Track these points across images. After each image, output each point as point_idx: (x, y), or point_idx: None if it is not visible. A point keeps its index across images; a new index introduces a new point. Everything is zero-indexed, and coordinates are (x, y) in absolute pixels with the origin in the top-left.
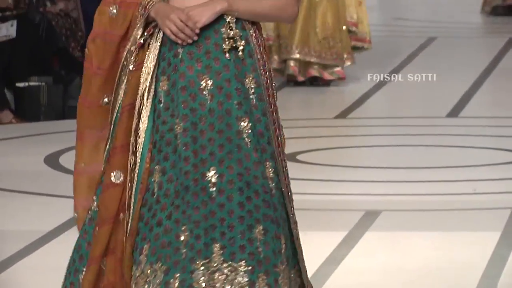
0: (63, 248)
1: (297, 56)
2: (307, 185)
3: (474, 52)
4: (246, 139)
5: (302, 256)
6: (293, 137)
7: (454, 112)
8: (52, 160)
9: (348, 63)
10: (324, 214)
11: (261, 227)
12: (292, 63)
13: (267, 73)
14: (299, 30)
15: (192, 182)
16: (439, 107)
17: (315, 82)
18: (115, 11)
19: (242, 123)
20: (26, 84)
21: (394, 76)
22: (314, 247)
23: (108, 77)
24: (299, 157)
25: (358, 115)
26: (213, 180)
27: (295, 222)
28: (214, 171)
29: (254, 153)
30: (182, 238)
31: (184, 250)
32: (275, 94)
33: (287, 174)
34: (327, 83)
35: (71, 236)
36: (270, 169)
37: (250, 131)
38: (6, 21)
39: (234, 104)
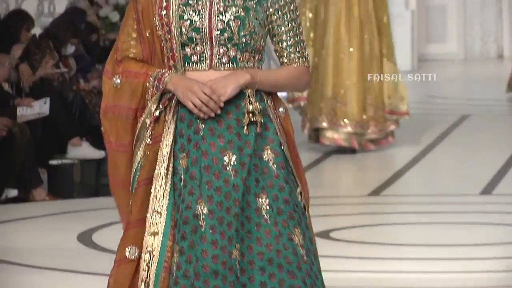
0: None
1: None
2: (340, 262)
3: (507, 129)
4: (265, 215)
5: None
6: (326, 214)
7: (488, 190)
8: (85, 238)
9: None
10: None
11: None
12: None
13: (284, 139)
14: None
15: (221, 266)
16: (472, 184)
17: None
18: (118, 81)
19: (260, 200)
20: (59, 161)
21: (428, 154)
22: None
23: (132, 153)
24: (332, 234)
25: (391, 192)
26: (238, 258)
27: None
28: (238, 250)
29: (275, 227)
30: None
31: None
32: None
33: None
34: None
35: None
36: (300, 236)
37: (268, 207)
38: (39, 99)
39: (253, 181)
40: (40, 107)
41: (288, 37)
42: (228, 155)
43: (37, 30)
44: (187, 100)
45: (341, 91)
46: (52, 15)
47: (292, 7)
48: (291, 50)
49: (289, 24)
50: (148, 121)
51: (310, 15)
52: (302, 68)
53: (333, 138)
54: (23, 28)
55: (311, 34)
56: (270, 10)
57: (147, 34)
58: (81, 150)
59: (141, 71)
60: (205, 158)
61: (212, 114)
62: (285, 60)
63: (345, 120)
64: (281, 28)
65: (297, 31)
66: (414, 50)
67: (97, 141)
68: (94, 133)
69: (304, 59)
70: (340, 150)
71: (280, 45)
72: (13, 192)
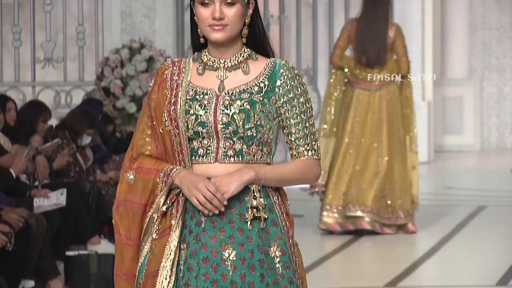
0: None
1: (359, 213)
2: None
3: None
4: None
5: None
6: None
7: (504, 281)
8: None
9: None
10: None
11: None
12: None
13: (291, 240)
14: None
15: None
16: (489, 275)
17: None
18: (132, 176)
19: None
20: (76, 252)
21: (444, 245)
22: None
23: (139, 247)
24: None
25: (408, 283)
26: None
27: None
28: None
29: None
30: None
31: None
32: (297, 261)
33: None
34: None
35: None
36: None
37: None
38: (56, 189)
39: (257, 276)
40: (57, 198)
41: (297, 130)
42: (228, 250)
43: (54, 121)
44: (192, 196)
45: (362, 179)
46: (69, 106)
47: (302, 99)
48: (299, 143)
49: (298, 117)
50: (155, 216)
51: (334, 104)
52: (311, 161)
53: (359, 223)
54: (40, 119)
55: (334, 129)
56: (279, 102)
57: (160, 131)
58: (100, 246)
59: (152, 167)
60: (204, 250)
61: (216, 211)
62: (294, 153)
63: (364, 205)
64: (290, 121)
65: (307, 124)
66: (431, 141)
67: (113, 232)
68: (110, 224)
69: (313, 151)
70: (361, 232)
71: (289, 138)
72: (29, 283)
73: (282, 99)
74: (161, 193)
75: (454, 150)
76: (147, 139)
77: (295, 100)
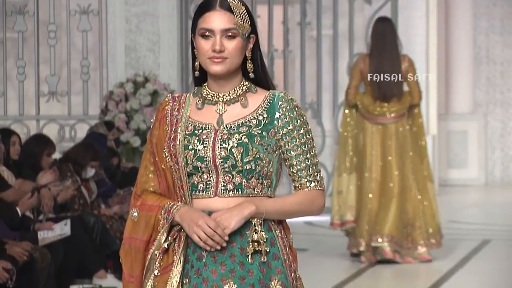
0: None
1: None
2: None
3: None
4: None
5: None
6: None
7: None
8: None
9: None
10: None
11: None
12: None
13: (293, 274)
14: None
15: None
16: None
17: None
18: (136, 214)
19: None
20: (81, 286)
21: (448, 279)
22: None
23: (141, 284)
24: None
25: None
26: None
27: None
28: None
29: None
30: None
31: None
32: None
33: None
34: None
35: None
36: None
37: None
38: (59, 221)
39: None
40: (61, 229)
41: (298, 162)
42: (229, 284)
43: (58, 155)
44: (193, 233)
45: (384, 209)
46: (73, 140)
47: (302, 131)
48: (301, 174)
49: (299, 148)
50: (157, 253)
51: (351, 141)
52: (315, 192)
53: (384, 251)
54: (44, 153)
55: (354, 159)
56: (278, 135)
57: (163, 167)
58: (106, 281)
59: (154, 204)
60: (206, 284)
61: (218, 247)
62: (297, 185)
63: (389, 236)
64: (290, 153)
65: (308, 155)
66: (435, 176)
67: (118, 267)
68: (115, 258)
69: (316, 182)
70: (384, 261)
71: (291, 170)
72: None
73: (281, 131)
74: (163, 230)
75: (458, 184)
76: (150, 176)
77: (295, 131)
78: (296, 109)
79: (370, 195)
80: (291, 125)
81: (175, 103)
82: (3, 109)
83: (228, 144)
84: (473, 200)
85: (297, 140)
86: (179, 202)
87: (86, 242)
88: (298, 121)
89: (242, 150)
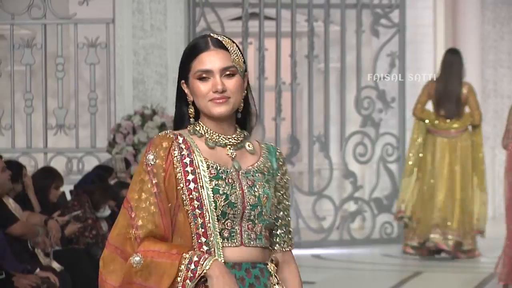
0: None
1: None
2: None
3: None
4: None
5: None
6: None
7: None
8: None
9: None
10: None
11: None
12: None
13: None
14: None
15: None
16: None
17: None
18: (138, 258)
19: None
20: None
21: None
22: None
23: None
24: None
25: None
26: None
27: None
28: None
29: None
30: None
31: None
32: None
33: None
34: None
35: None
36: None
37: None
38: (67, 256)
39: None
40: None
41: (282, 224)
42: None
43: (66, 188)
44: None
45: (447, 210)
46: (81, 173)
47: (288, 192)
48: (283, 236)
49: (286, 211)
50: None
51: (415, 153)
52: (290, 253)
53: (438, 243)
54: (52, 186)
55: (415, 169)
56: (278, 186)
57: (167, 207)
58: None
59: (171, 251)
60: None
61: None
62: (275, 246)
63: (450, 231)
64: (279, 213)
65: (288, 218)
66: None
67: None
68: None
69: (290, 243)
70: (438, 251)
71: (274, 231)
72: None
73: (280, 183)
74: (191, 283)
75: None
76: (151, 218)
77: (285, 189)
78: (286, 165)
79: (431, 197)
80: (285, 179)
81: (178, 140)
82: (11, 141)
83: (256, 191)
84: None
85: (286, 201)
86: (198, 251)
87: (92, 274)
88: (288, 178)
89: (267, 198)
